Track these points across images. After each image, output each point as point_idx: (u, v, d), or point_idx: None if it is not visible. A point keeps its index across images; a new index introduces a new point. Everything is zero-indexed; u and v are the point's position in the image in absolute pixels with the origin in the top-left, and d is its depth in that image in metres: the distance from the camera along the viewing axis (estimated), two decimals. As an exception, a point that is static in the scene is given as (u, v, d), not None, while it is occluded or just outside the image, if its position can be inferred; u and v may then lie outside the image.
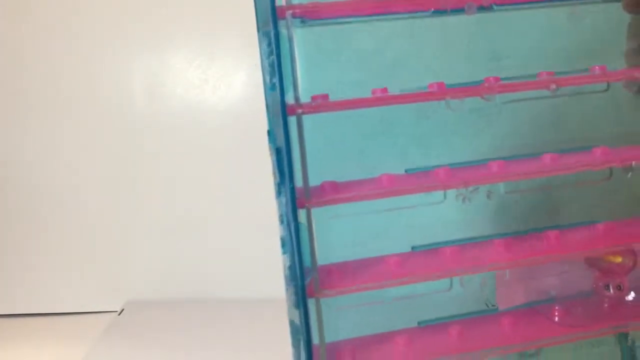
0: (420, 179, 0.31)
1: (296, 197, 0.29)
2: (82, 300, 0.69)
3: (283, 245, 0.30)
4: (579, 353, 0.31)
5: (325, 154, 0.31)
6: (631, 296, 0.30)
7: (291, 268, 0.29)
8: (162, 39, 0.65)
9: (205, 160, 0.65)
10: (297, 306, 0.30)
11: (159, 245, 0.68)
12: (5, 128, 0.65)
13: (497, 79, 0.31)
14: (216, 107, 0.65)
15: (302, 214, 0.30)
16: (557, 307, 0.31)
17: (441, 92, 0.30)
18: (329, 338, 0.32)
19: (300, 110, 0.29)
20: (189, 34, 0.65)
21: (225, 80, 0.64)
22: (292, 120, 0.29)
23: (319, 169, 0.30)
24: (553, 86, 0.31)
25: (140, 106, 0.65)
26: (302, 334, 0.31)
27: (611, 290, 0.30)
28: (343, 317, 0.32)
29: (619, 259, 0.30)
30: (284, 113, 0.28)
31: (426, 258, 0.32)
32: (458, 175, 0.30)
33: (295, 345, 0.31)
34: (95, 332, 0.62)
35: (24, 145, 0.66)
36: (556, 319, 0.31)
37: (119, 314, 0.66)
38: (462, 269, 0.31)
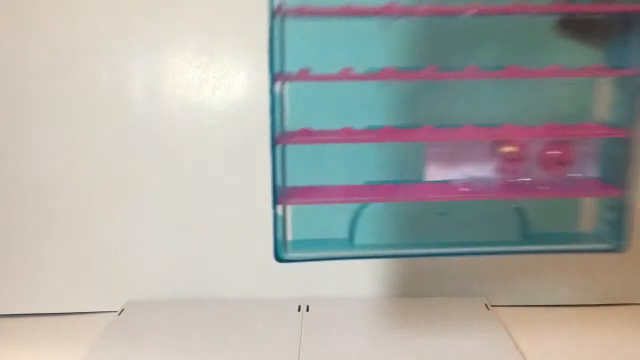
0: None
1: (275, 77, 0.40)
2: (82, 300, 0.69)
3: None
4: (481, 214, 0.43)
5: (300, 53, 0.41)
6: (526, 179, 0.42)
7: (270, 126, 0.40)
8: (162, 39, 0.65)
9: (205, 160, 0.66)
10: (270, 151, 0.41)
11: (159, 245, 0.68)
12: (5, 128, 0.65)
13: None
14: (216, 108, 0.65)
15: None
16: (468, 182, 0.42)
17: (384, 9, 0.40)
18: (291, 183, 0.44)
19: (284, 13, 0.40)
20: (189, 34, 0.65)
21: (225, 80, 0.64)
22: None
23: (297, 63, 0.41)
24: (473, 11, 0.39)
25: (140, 106, 0.65)
26: (272, 173, 0.41)
27: (509, 173, 0.41)
28: (301, 169, 0.44)
29: (512, 149, 0.41)
30: (272, 16, 0.39)
31: (369, 132, 0.43)
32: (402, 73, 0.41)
33: (272, 185, 0.42)
34: (95, 332, 0.63)
35: (24, 145, 0.66)
36: (466, 189, 0.42)
37: (119, 314, 0.66)
38: (398, 140, 0.42)
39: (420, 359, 0.57)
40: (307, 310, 0.65)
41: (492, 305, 0.68)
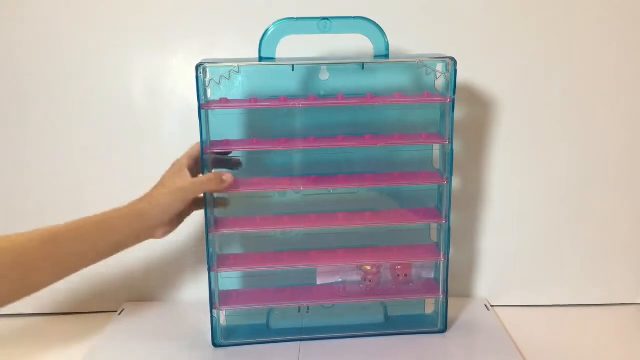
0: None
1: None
2: (82, 300, 0.69)
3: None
4: (355, 308, 0.63)
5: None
6: (379, 285, 0.62)
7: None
8: (162, 39, 0.65)
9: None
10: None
11: (159, 245, 0.68)
12: (5, 128, 0.65)
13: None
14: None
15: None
16: (343, 287, 0.62)
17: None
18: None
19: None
20: (189, 34, 0.65)
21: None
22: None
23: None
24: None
25: (140, 106, 0.65)
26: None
27: (368, 282, 0.61)
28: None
29: (368, 267, 0.61)
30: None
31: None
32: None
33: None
34: (95, 332, 0.63)
35: (25, 144, 0.66)
36: (342, 291, 0.62)
37: (119, 314, 0.66)
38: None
39: (420, 359, 0.57)
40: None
41: (492, 305, 0.68)
